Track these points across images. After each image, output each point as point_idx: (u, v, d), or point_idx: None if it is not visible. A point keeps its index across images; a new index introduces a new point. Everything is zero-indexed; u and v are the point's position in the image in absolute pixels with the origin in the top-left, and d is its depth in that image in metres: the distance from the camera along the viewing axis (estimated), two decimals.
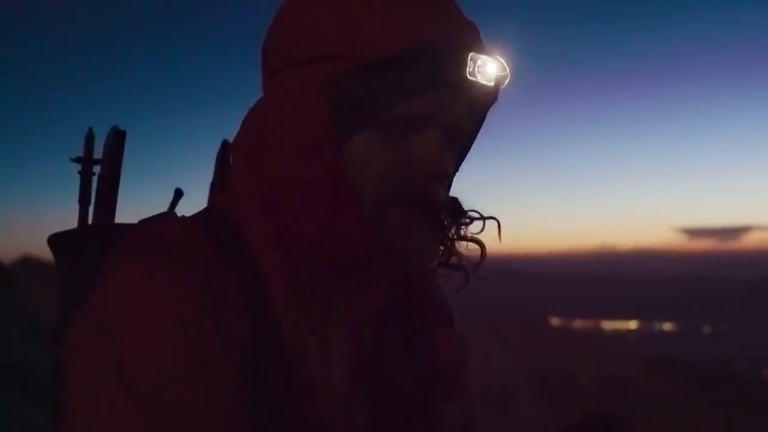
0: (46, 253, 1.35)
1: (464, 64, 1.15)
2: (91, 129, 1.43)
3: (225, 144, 1.56)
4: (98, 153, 1.42)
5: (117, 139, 1.40)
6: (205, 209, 1.31)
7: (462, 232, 1.23)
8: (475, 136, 1.31)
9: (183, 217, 1.27)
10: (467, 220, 1.22)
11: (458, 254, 1.25)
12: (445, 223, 1.21)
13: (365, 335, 1.27)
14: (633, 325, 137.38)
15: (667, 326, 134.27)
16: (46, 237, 1.32)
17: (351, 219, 1.14)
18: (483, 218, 1.23)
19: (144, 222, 1.23)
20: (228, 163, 1.52)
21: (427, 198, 1.17)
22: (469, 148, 1.32)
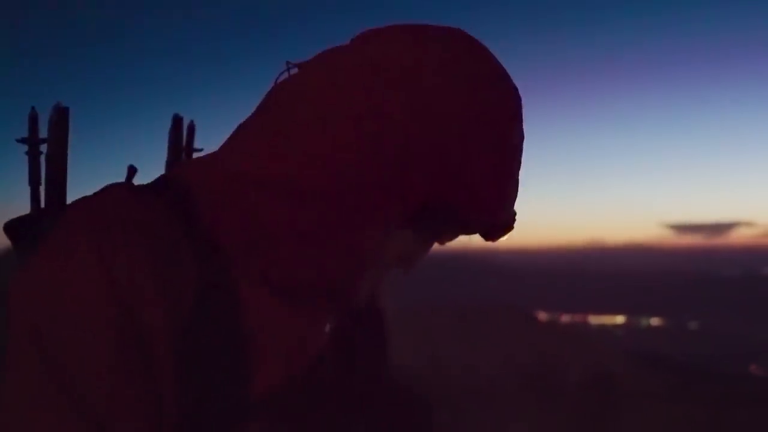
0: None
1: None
2: (33, 108, 1.45)
3: (176, 120, 1.57)
4: (44, 133, 1.44)
5: (60, 117, 1.39)
6: (162, 181, 1.30)
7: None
8: None
9: (135, 186, 1.29)
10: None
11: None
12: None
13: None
14: (620, 320, 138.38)
15: (655, 321, 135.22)
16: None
17: (353, 279, 1.25)
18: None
19: (93, 194, 1.24)
20: (180, 140, 1.59)
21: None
22: None
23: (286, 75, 1.33)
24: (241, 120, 1.35)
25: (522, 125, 1.27)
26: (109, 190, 1.26)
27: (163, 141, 1.63)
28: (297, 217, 1.19)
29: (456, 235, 1.28)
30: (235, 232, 1.20)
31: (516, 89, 1.28)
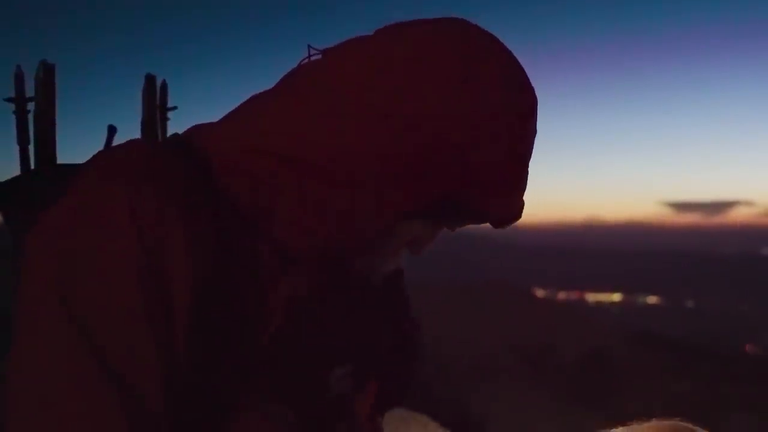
0: None
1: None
2: (19, 66, 1.39)
3: (149, 79, 1.53)
4: (31, 91, 1.38)
5: (47, 74, 1.36)
6: (176, 142, 1.26)
7: None
8: None
9: (155, 143, 1.26)
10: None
11: None
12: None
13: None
14: (617, 297, 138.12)
15: (651, 299, 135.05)
16: None
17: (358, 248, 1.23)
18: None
19: (115, 147, 1.21)
20: (153, 98, 1.53)
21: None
22: None
23: (307, 59, 1.27)
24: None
25: (535, 122, 1.25)
26: (131, 144, 1.21)
27: (138, 100, 1.55)
28: (311, 194, 1.17)
29: (466, 224, 1.32)
30: (248, 193, 1.19)
31: (532, 88, 1.27)
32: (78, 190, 1.09)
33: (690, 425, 1.31)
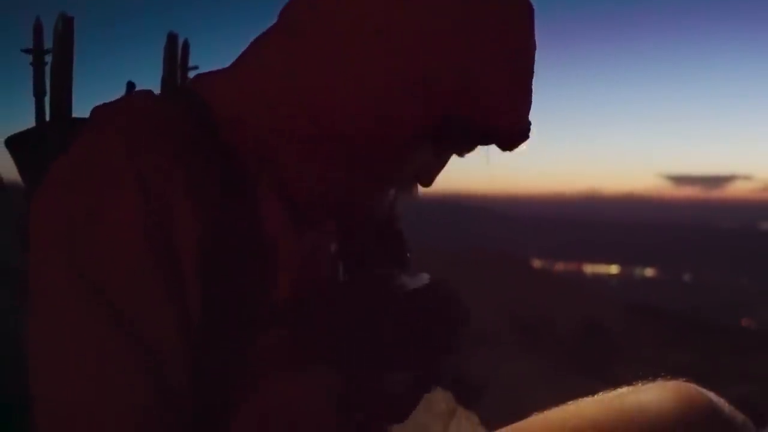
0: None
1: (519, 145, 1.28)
2: (38, 18, 1.39)
3: (171, 37, 1.53)
4: (49, 44, 1.39)
5: (65, 27, 1.36)
6: (180, 92, 1.29)
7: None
8: None
9: (158, 94, 1.25)
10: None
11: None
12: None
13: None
14: (614, 269, 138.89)
15: (649, 272, 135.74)
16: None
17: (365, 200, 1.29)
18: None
19: (117, 99, 1.21)
20: (175, 57, 1.54)
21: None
22: None
23: None
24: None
25: (534, 34, 1.25)
26: (135, 96, 1.24)
27: (159, 58, 1.58)
28: (316, 138, 1.18)
29: (474, 146, 1.30)
30: (252, 144, 1.20)
31: (530, 2, 1.24)
32: (80, 146, 1.10)
33: (696, 386, 1.33)
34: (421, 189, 1.33)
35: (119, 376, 1.01)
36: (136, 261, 1.03)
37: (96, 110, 1.18)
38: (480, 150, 1.28)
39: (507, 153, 1.28)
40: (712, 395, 1.33)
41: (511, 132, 1.24)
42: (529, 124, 1.24)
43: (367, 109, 1.15)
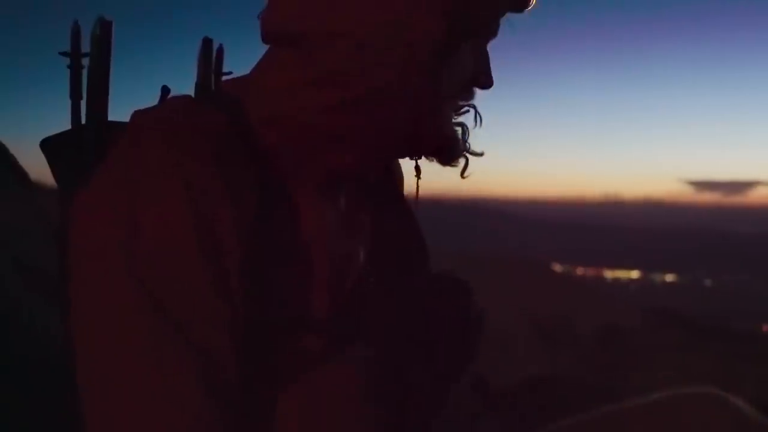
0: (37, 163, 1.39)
1: None
2: (76, 21, 1.40)
3: (206, 42, 1.51)
4: (87, 47, 1.39)
5: (104, 31, 1.37)
6: (215, 91, 1.32)
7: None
8: None
9: (195, 98, 1.29)
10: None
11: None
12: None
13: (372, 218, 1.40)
14: (635, 274, 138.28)
15: (669, 277, 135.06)
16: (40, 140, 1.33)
17: (431, 125, 1.26)
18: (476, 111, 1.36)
19: (155, 106, 1.25)
20: (209, 62, 1.51)
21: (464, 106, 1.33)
22: None
23: None
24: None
25: None
26: (174, 101, 1.26)
27: (193, 63, 1.59)
28: (350, 97, 1.20)
29: (496, 18, 1.30)
30: (285, 141, 1.23)
31: None
32: (125, 152, 1.13)
33: (722, 392, 1.34)
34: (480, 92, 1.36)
35: (177, 385, 1.02)
36: (184, 262, 1.06)
37: (136, 115, 1.20)
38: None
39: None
40: (739, 402, 1.35)
41: None
42: None
43: (383, 31, 1.17)
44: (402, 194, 1.55)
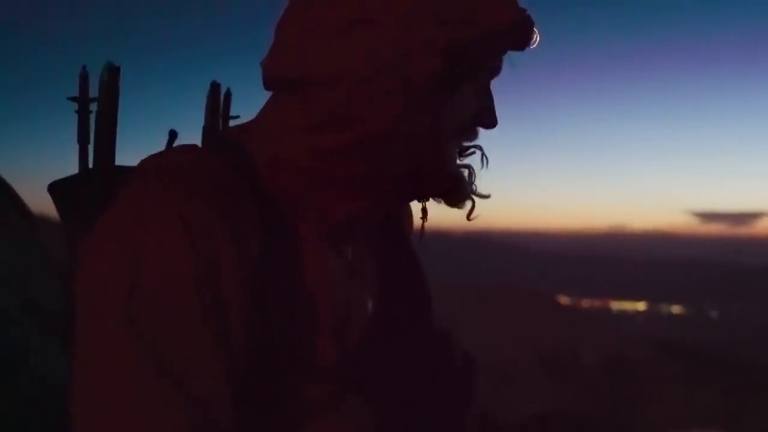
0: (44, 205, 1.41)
1: (533, 35, 1.28)
2: (84, 67, 1.42)
3: (213, 87, 1.55)
4: (95, 92, 1.41)
5: (111, 76, 1.38)
6: (219, 136, 1.34)
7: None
8: None
9: (201, 147, 1.28)
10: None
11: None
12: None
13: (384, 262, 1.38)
14: (641, 306, 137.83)
15: (675, 309, 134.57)
16: (46, 184, 1.33)
17: (436, 167, 1.24)
18: (481, 152, 1.34)
19: (162, 152, 1.24)
20: (217, 106, 1.55)
21: (469, 147, 1.31)
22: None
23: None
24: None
25: None
26: (180, 150, 1.25)
27: (201, 107, 1.59)
28: (352, 138, 1.18)
29: (497, 56, 1.29)
30: (288, 185, 1.22)
31: None
32: (130, 198, 1.12)
33: None
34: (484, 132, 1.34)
35: (164, 428, 1.01)
36: (185, 313, 1.05)
37: (143, 163, 1.19)
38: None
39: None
40: None
41: (518, 23, 1.26)
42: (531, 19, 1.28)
43: (381, 72, 1.16)
44: (408, 235, 1.54)
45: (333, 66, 1.16)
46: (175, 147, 1.26)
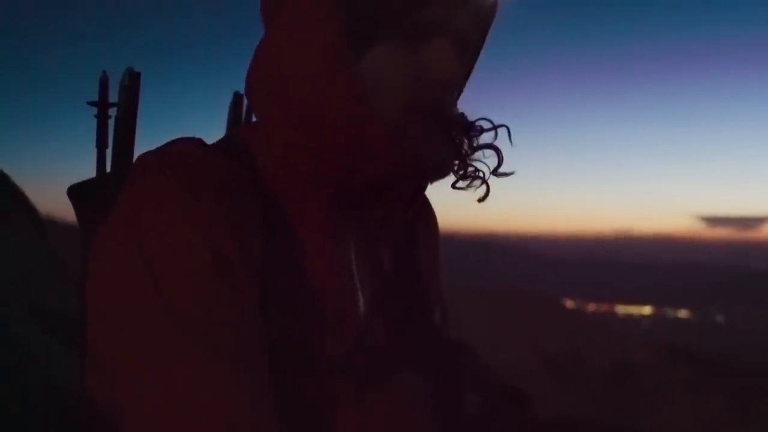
0: (62, 209, 1.40)
1: None
2: (104, 72, 1.43)
3: (237, 96, 1.57)
4: (114, 97, 1.42)
5: (132, 82, 1.40)
6: (224, 138, 1.34)
7: (474, 144, 1.31)
8: (478, 56, 1.35)
9: (199, 139, 1.29)
10: (477, 132, 1.30)
11: (472, 166, 1.32)
12: (456, 137, 1.28)
13: (382, 257, 1.38)
14: (647, 310, 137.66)
15: (681, 313, 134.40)
16: (66, 187, 1.35)
17: (378, 134, 1.19)
18: (494, 127, 1.31)
19: (164, 146, 1.25)
20: (239, 117, 1.58)
21: (440, 111, 1.24)
22: (472, 68, 1.36)
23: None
24: None
25: None
26: (180, 142, 1.26)
27: (224, 116, 1.63)
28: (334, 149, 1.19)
29: (409, 8, 1.20)
30: (288, 188, 1.24)
31: None
32: (135, 193, 1.15)
33: None
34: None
35: (230, 401, 1.03)
36: (207, 279, 1.07)
37: (145, 155, 1.21)
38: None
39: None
40: None
41: None
42: None
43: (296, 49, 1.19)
44: (430, 237, 1.54)
45: (275, 69, 1.22)
46: (174, 140, 1.26)
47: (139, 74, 1.40)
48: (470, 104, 1.36)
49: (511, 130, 1.32)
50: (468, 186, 1.35)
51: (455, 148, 1.29)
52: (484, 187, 1.34)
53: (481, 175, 1.34)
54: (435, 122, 1.23)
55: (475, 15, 1.25)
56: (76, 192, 1.35)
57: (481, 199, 1.35)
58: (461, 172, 1.34)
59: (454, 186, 1.35)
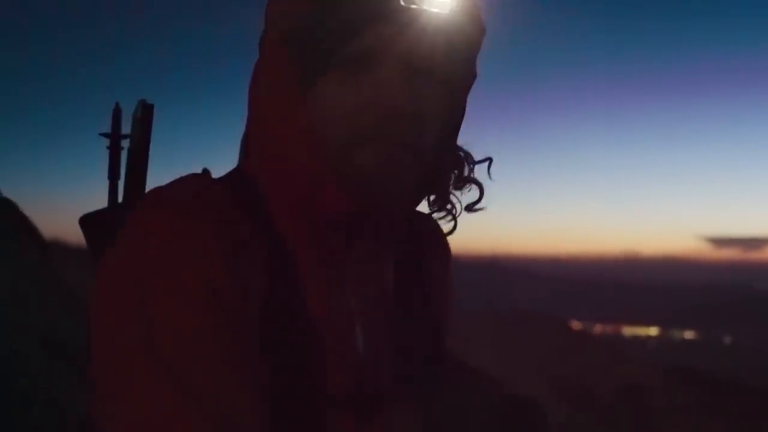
0: (73, 236, 1.38)
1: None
2: (117, 103, 1.44)
3: None
4: (127, 128, 1.43)
5: (145, 113, 1.41)
6: (231, 171, 1.34)
7: (465, 175, 1.32)
8: (469, 82, 1.32)
9: (205, 176, 1.30)
10: (462, 164, 1.32)
11: (449, 199, 1.35)
12: (435, 167, 1.26)
13: (379, 288, 1.35)
14: (653, 332, 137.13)
15: (688, 334, 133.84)
16: (77, 217, 1.35)
17: (322, 164, 1.19)
18: (480, 161, 1.32)
19: (168, 183, 1.25)
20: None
21: (398, 137, 1.19)
22: (464, 96, 1.32)
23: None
24: None
25: None
26: (186, 179, 1.25)
27: (236, 148, 1.59)
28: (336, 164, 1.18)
29: (348, 35, 1.18)
30: (294, 219, 1.24)
31: None
32: (137, 223, 1.15)
33: None
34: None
35: None
36: (200, 336, 1.06)
37: (151, 192, 1.23)
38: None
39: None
40: None
41: None
42: None
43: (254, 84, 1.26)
44: (441, 266, 1.53)
45: (250, 107, 1.28)
46: (181, 177, 1.26)
47: (152, 106, 1.41)
48: (476, 127, 1.37)
49: (517, 152, 1.33)
50: (440, 219, 1.39)
51: (424, 177, 1.26)
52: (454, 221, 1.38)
53: (452, 210, 1.36)
54: (390, 151, 1.19)
55: (430, 37, 1.19)
56: (87, 221, 1.35)
57: (448, 233, 1.40)
58: (438, 203, 1.36)
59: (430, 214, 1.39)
